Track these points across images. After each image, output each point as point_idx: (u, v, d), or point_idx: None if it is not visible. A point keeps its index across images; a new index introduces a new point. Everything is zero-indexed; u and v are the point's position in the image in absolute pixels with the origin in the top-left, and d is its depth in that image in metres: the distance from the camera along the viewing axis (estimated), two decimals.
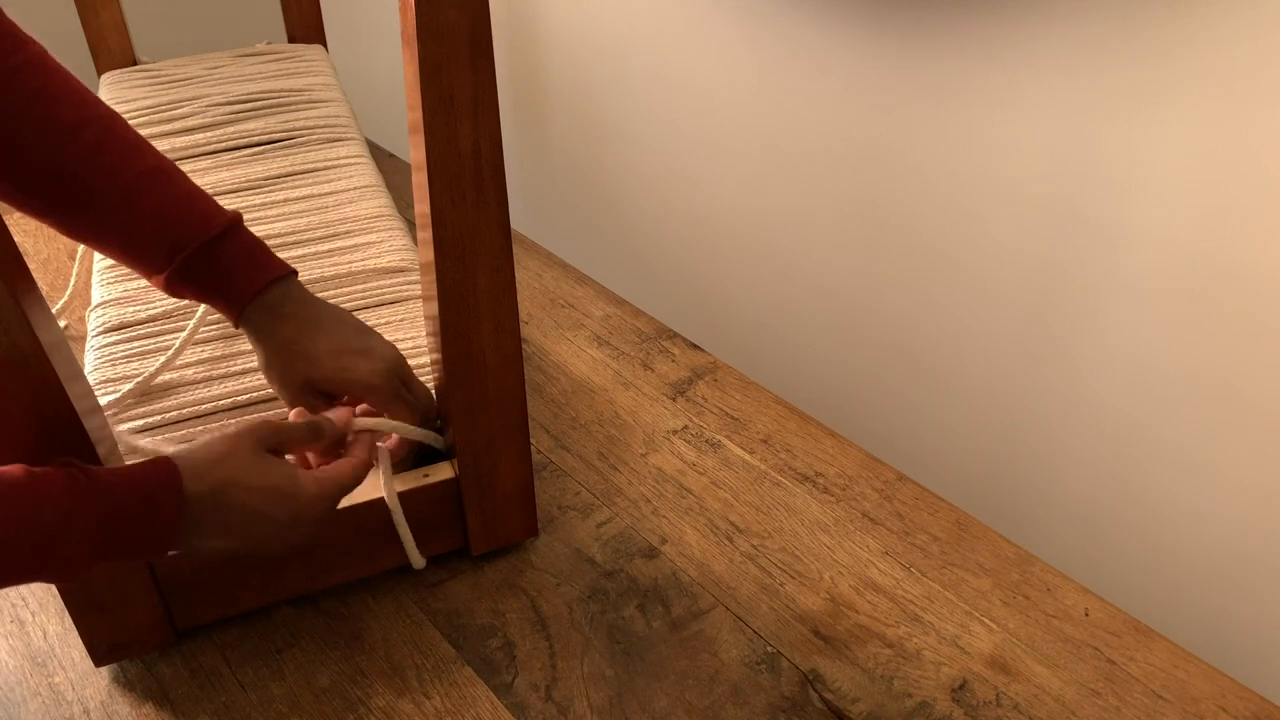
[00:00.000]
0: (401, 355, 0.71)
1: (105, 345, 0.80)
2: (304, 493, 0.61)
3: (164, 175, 0.66)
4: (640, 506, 0.80)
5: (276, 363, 0.68)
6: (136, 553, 0.55)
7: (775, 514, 0.80)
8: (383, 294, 0.87)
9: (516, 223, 0.90)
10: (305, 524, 0.61)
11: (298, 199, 0.97)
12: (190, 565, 0.66)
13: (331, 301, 0.85)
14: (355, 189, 0.99)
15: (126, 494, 0.54)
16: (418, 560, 0.72)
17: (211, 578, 0.67)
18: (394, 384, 0.69)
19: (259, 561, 0.68)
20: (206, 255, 0.66)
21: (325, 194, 0.98)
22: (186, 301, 0.83)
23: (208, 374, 0.78)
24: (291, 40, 1.29)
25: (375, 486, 0.68)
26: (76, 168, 0.63)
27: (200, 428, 0.74)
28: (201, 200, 0.67)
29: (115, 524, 0.53)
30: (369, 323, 0.82)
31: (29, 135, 0.62)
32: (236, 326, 0.68)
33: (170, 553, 0.57)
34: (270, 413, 0.75)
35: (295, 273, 0.69)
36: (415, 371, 0.78)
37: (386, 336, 0.81)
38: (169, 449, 0.69)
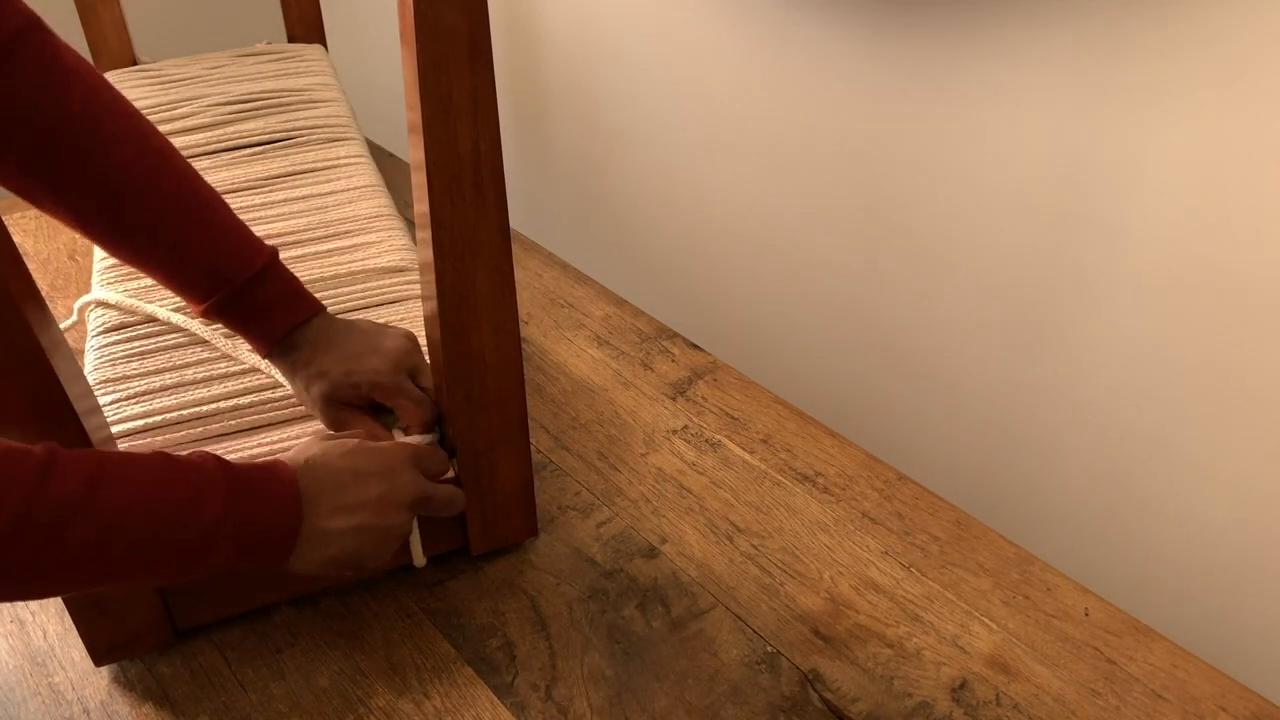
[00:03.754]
0: (412, 344, 0.73)
1: (105, 345, 0.80)
2: (384, 445, 0.65)
3: (211, 208, 0.70)
4: (640, 506, 0.80)
5: (301, 388, 0.72)
6: (265, 533, 0.57)
7: (775, 514, 0.80)
8: (383, 294, 0.87)
9: (516, 223, 0.90)
10: (400, 473, 0.63)
11: (297, 199, 0.97)
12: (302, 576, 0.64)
13: (331, 301, 0.85)
14: (355, 189, 0.99)
15: (249, 469, 0.57)
16: (419, 558, 0.72)
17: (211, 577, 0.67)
18: (398, 379, 0.71)
19: (368, 567, 0.66)
20: (246, 292, 0.69)
21: (325, 194, 0.98)
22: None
23: (208, 374, 0.78)
24: (291, 40, 1.29)
25: None
26: (132, 198, 0.66)
27: (200, 429, 0.74)
28: (243, 235, 0.70)
29: (243, 499, 0.56)
30: None
31: (88, 167, 0.64)
32: (265, 358, 0.72)
33: (294, 544, 0.58)
34: (274, 414, 0.75)
35: (324, 309, 0.73)
36: None
37: None
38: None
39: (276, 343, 0.71)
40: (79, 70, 0.64)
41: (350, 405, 0.71)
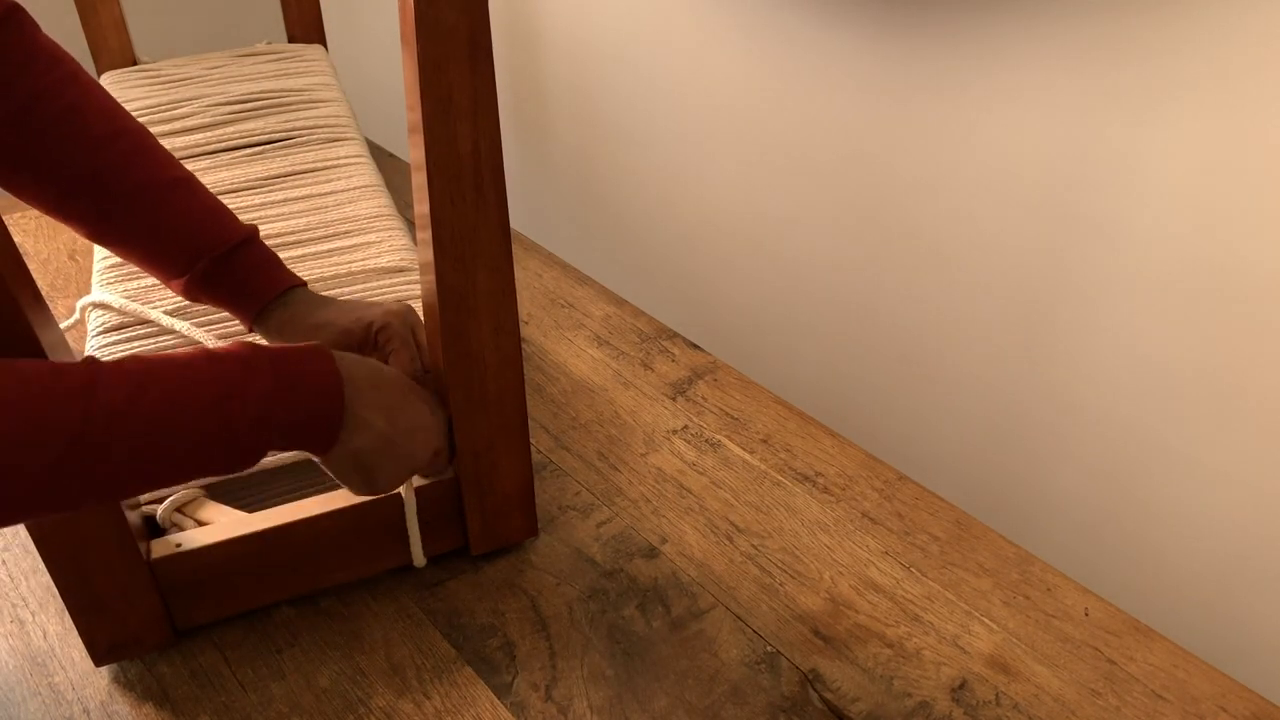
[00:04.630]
0: (409, 307, 0.73)
1: (105, 345, 0.80)
2: (424, 390, 0.66)
3: (188, 186, 0.70)
4: (640, 506, 0.80)
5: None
6: (311, 411, 0.57)
7: (775, 514, 0.80)
8: (382, 294, 0.87)
9: (516, 223, 0.90)
10: (434, 412, 0.65)
11: (297, 199, 0.97)
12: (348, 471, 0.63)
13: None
14: (355, 189, 0.99)
15: (289, 353, 0.58)
16: (419, 558, 0.72)
17: (211, 577, 0.67)
18: (406, 328, 0.71)
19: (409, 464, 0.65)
20: (225, 263, 0.70)
21: (325, 194, 0.98)
22: (186, 302, 0.83)
23: None
24: (291, 40, 1.29)
25: None
26: (108, 178, 0.67)
27: None
28: (223, 212, 0.71)
29: (288, 374, 0.56)
30: None
31: (64, 147, 0.65)
32: (250, 329, 0.72)
33: (340, 422, 0.58)
34: None
35: (305, 284, 0.73)
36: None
37: None
38: None
39: (262, 310, 0.71)
40: (58, 55, 0.66)
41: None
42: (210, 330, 0.82)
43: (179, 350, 0.57)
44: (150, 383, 0.52)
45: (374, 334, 0.70)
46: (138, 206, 0.68)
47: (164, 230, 0.69)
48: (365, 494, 0.64)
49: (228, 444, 0.54)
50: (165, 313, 0.83)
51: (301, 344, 0.60)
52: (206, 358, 0.55)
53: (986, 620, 0.71)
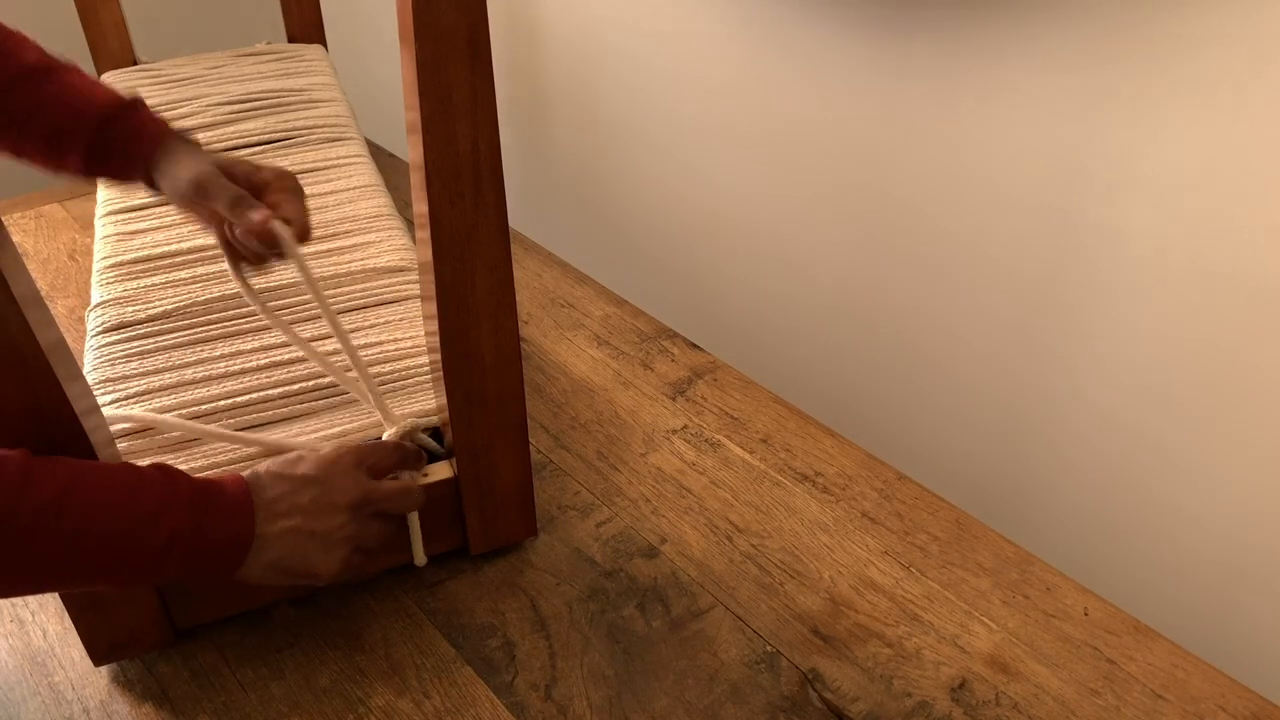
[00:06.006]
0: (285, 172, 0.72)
1: (104, 345, 0.80)
2: (326, 452, 0.65)
3: (69, 71, 0.72)
4: (640, 506, 0.80)
5: (171, 177, 0.71)
6: (220, 537, 0.58)
7: (775, 514, 0.80)
8: (382, 293, 0.87)
9: (516, 222, 0.90)
10: (336, 477, 0.63)
11: None
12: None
13: (331, 301, 0.85)
14: (355, 188, 0.99)
15: (207, 482, 0.60)
16: (420, 558, 0.72)
17: None
18: (295, 183, 0.71)
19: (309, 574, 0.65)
20: (115, 124, 0.70)
21: (325, 193, 0.98)
22: (185, 302, 0.83)
23: (207, 374, 0.78)
24: (291, 40, 1.29)
25: None
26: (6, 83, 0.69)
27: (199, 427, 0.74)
28: (102, 86, 0.72)
29: (201, 507, 0.58)
30: (368, 322, 0.83)
31: None
32: (150, 185, 0.72)
33: (246, 550, 0.59)
34: (273, 413, 0.75)
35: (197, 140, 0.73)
36: (413, 371, 0.78)
37: (385, 336, 0.81)
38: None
39: (150, 163, 0.71)
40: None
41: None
42: (215, 328, 0.82)
43: (104, 463, 0.59)
44: (81, 486, 0.54)
45: (257, 182, 0.70)
46: (20, 89, 0.69)
47: (48, 109, 0.69)
48: (314, 584, 0.65)
49: (141, 558, 0.56)
50: (167, 311, 0.83)
51: (221, 474, 0.61)
52: (131, 474, 0.57)
53: (986, 620, 0.71)
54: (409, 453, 0.69)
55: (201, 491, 0.58)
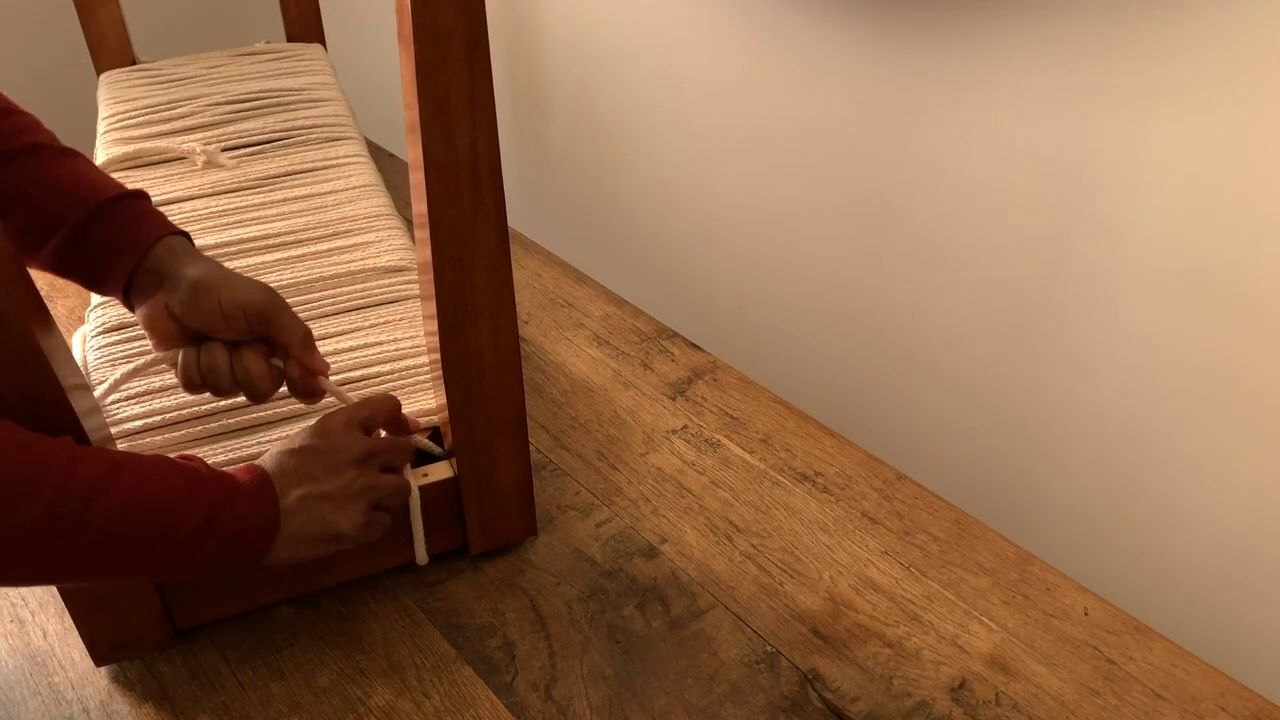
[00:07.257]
0: (274, 297, 0.66)
1: (105, 345, 0.80)
2: (322, 417, 0.66)
3: (74, 156, 0.70)
4: (640, 506, 0.80)
5: (160, 307, 0.66)
6: (252, 515, 0.59)
7: (775, 514, 0.80)
8: (381, 293, 0.87)
9: (516, 222, 0.90)
10: (336, 434, 0.64)
11: (296, 198, 0.97)
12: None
13: (330, 301, 0.85)
14: (354, 188, 0.99)
15: (223, 471, 0.61)
16: (422, 556, 0.72)
17: (211, 576, 0.67)
18: (281, 304, 0.66)
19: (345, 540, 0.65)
20: (102, 215, 0.66)
21: (324, 193, 0.98)
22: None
23: None
24: (290, 39, 1.29)
25: None
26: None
27: (199, 428, 0.74)
28: (104, 177, 0.69)
29: (230, 487, 0.59)
30: (368, 322, 0.83)
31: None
32: (123, 296, 0.68)
33: (276, 530, 0.61)
34: (273, 413, 0.75)
35: (184, 234, 0.69)
36: (413, 371, 0.78)
37: (384, 336, 0.81)
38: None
39: (137, 266, 0.66)
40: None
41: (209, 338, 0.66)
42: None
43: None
44: (122, 465, 0.55)
45: (249, 319, 0.65)
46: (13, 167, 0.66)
47: (35, 190, 0.66)
48: (348, 546, 0.65)
49: (178, 543, 0.57)
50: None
51: (243, 465, 0.62)
52: (164, 460, 0.58)
53: (986, 620, 0.71)
54: (392, 403, 0.70)
55: (226, 476, 0.60)
